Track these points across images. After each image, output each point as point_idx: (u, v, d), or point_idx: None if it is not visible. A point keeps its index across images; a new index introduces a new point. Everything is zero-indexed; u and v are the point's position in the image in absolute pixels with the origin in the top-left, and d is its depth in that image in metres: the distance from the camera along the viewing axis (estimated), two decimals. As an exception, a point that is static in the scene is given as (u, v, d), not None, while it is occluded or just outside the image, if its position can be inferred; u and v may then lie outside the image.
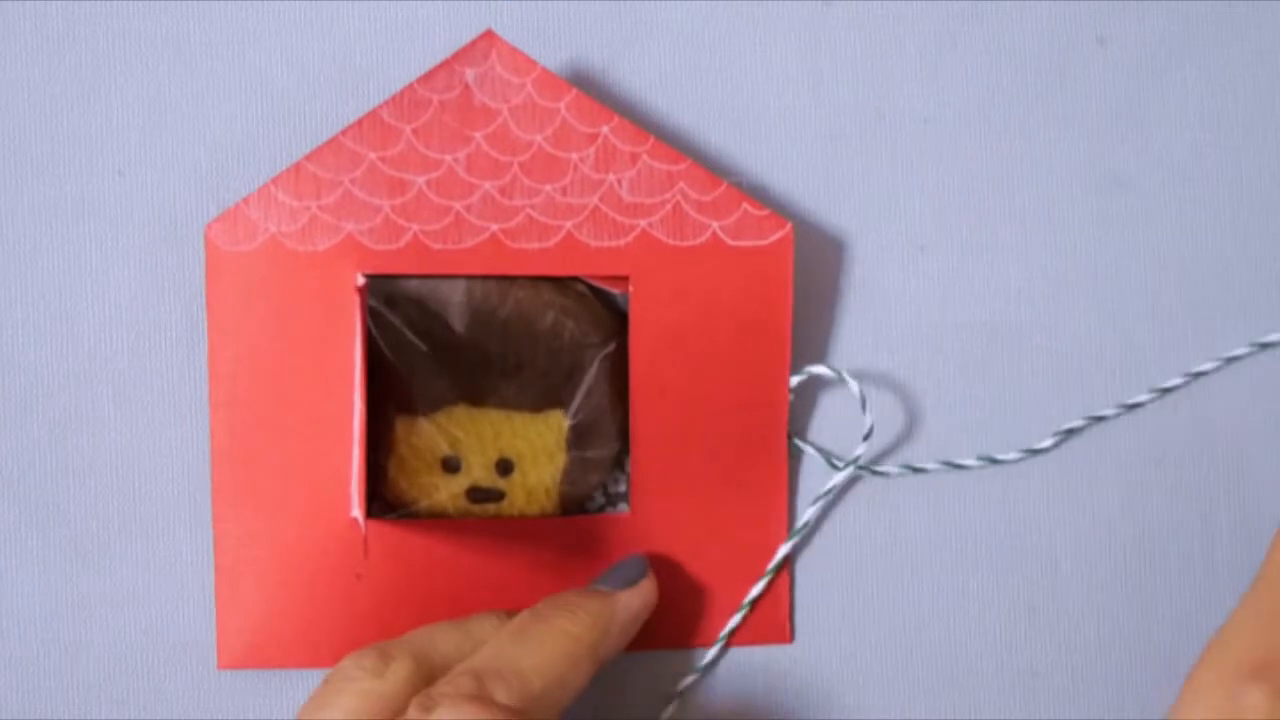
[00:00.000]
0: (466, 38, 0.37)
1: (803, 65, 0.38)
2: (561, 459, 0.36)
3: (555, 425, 0.36)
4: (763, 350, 0.36)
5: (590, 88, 0.37)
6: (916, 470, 0.38)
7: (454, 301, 0.35)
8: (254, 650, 0.35)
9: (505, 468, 0.36)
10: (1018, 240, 0.38)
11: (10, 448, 0.37)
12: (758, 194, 0.37)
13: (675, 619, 0.36)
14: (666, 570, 0.36)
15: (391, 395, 0.35)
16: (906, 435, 0.38)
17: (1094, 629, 0.38)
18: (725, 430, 0.36)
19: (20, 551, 0.37)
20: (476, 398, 0.35)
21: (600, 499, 0.37)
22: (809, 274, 0.38)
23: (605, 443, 0.36)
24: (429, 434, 0.35)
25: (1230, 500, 0.38)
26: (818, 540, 0.38)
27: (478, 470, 0.35)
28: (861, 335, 0.38)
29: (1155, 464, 0.38)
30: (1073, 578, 0.38)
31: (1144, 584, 0.38)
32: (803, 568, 0.38)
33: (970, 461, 0.38)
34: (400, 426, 0.35)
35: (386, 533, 0.35)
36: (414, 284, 0.35)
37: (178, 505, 0.37)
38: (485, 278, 0.35)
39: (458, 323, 0.35)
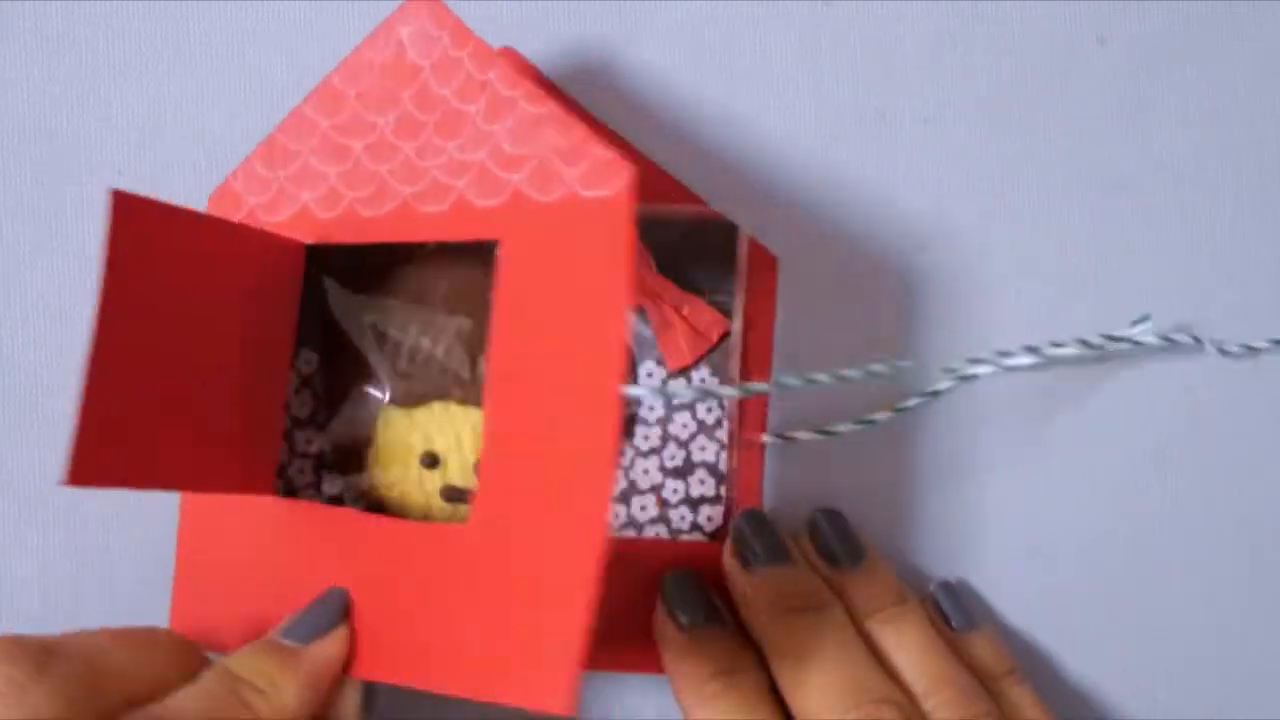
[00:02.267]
0: (466, 37, 0.37)
1: (803, 65, 0.38)
2: None
3: None
4: (602, 332, 0.28)
5: (590, 87, 0.38)
6: (912, 479, 0.38)
7: (455, 293, 0.35)
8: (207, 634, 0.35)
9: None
10: (1018, 240, 0.38)
11: (10, 447, 0.37)
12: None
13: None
14: (495, 588, 0.30)
15: (347, 369, 0.35)
16: (904, 442, 0.38)
17: (1096, 629, 0.38)
18: (564, 430, 0.29)
19: (20, 551, 0.37)
20: (461, 396, 0.35)
21: None
22: (809, 275, 0.38)
23: None
24: (406, 427, 0.35)
25: (1230, 500, 0.38)
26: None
27: (455, 469, 0.35)
28: (861, 336, 0.38)
29: (1155, 464, 0.38)
30: (1073, 578, 0.38)
31: (1144, 584, 0.38)
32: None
33: (966, 465, 0.38)
34: (381, 416, 0.35)
35: (345, 520, 0.34)
36: (413, 265, 0.35)
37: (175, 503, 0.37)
38: (486, 273, 0.35)
39: (451, 312, 0.35)
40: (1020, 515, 0.38)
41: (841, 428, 0.37)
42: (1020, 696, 0.35)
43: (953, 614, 0.36)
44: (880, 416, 0.37)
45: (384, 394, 0.35)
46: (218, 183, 0.37)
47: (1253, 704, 0.38)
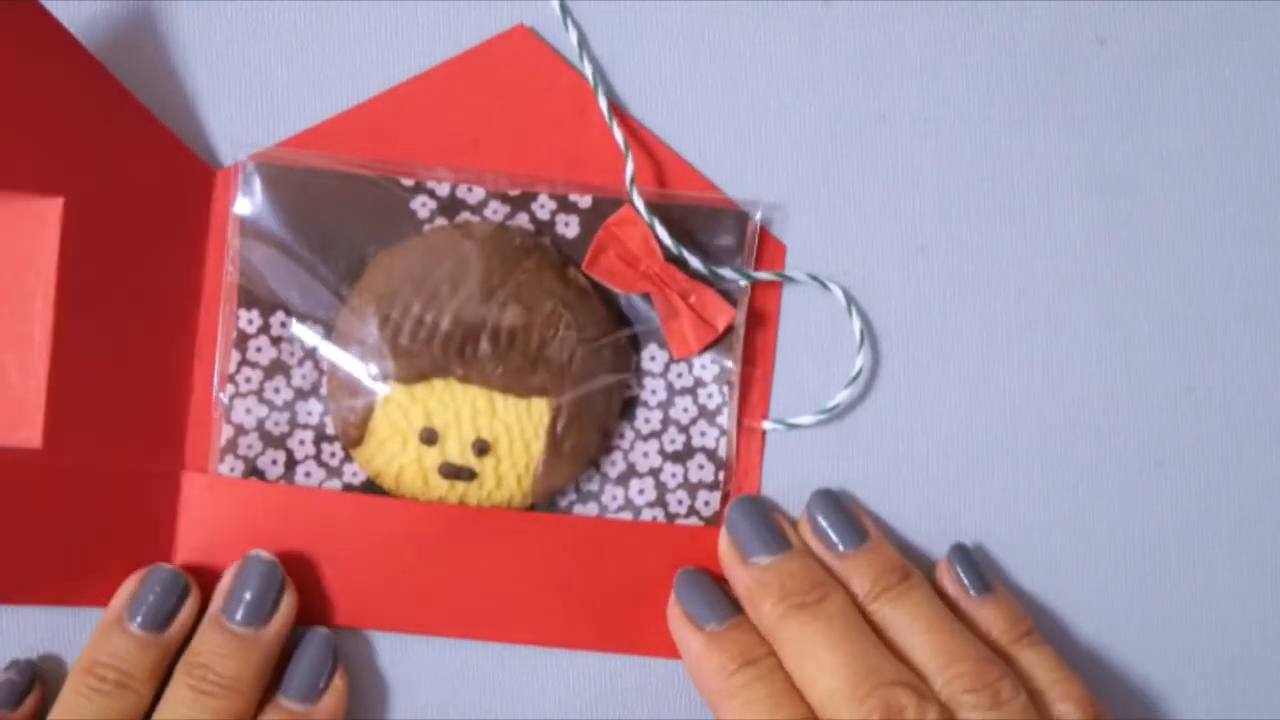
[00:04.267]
0: (467, 38, 0.37)
1: (803, 65, 0.38)
2: (539, 448, 0.36)
3: (537, 413, 0.36)
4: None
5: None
6: (909, 471, 0.38)
7: (461, 271, 0.35)
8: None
9: (481, 448, 0.36)
10: (1018, 240, 0.38)
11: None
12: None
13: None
14: (73, 515, 0.35)
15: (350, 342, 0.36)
16: (905, 435, 0.38)
17: (1095, 629, 0.38)
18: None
19: None
20: (463, 374, 0.35)
21: (572, 494, 0.37)
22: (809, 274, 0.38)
23: (585, 437, 0.36)
24: (406, 403, 0.36)
25: (1230, 500, 0.38)
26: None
27: (454, 446, 0.36)
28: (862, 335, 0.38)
29: (1155, 464, 0.38)
30: (1074, 578, 0.38)
31: (1144, 584, 0.38)
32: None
33: (966, 462, 0.38)
34: (381, 392, 0.36)
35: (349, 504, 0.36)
36: (417, 243, 0.36)
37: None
38: (492, 253, 0.35)
39: (455, 290, 0.35)
40: (1022, 515, 0.38)
41: (840, 397, 0.37)
42: (1039, 657, 0.35)
43: (970, 580, 0.36)
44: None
45: (385, 370, 0.35)
46: (217, 182, 0.37)
47: (1252, 704, 0.38)
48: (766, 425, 0.37)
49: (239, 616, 0.34)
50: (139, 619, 0.34)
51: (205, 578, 0.36)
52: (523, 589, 0.36)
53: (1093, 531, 0.38)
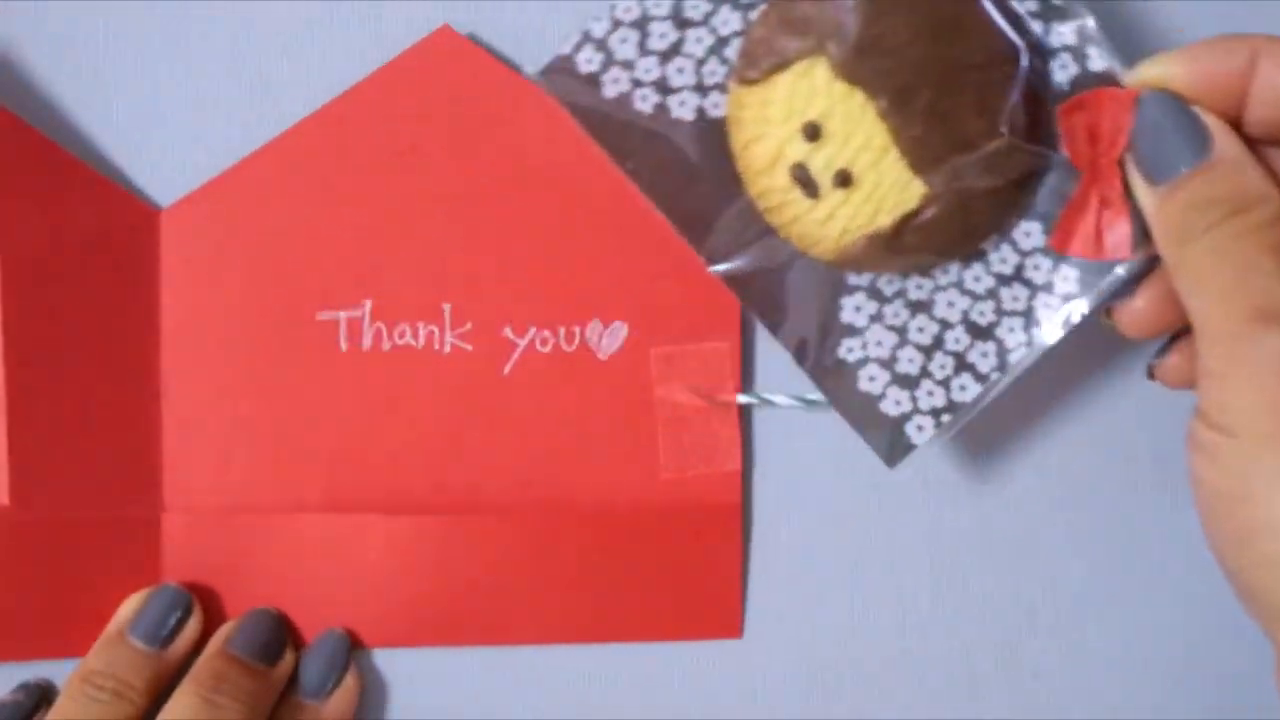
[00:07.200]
0: (392, 45, 0.37)
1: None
2: (883, 223, 0.32)
3: (910, 194, 0.32)
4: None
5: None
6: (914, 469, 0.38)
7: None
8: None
9: (843, 179, 0.32)
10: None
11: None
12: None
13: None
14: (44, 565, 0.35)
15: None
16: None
17: (1094, 629, 0.38)
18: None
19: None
20: (885, 107, 0.31)
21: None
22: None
23: (927, 243, 0.32)
24: (820, 88, 0.32)
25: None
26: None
27: (821, 159, 0.32)
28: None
29: (1155, 463, 0.38)
30: (1073, 578, 0.38)
31: (1144, 585, 0.38)
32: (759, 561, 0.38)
33: (966, 461, 0.38)
34: (730, 99, 0.33)
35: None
36: None
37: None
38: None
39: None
40: (1015, 515, 0.38)
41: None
42: None
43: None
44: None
45: (839, 51, 0.31)
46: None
47: (1253, 704, 0.38)
48: (742, 399, 0.37)
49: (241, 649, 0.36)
50: (139, 631, 0.34)
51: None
52: (518, 589, 0.37)
53: (1093, 531, 0.38)
